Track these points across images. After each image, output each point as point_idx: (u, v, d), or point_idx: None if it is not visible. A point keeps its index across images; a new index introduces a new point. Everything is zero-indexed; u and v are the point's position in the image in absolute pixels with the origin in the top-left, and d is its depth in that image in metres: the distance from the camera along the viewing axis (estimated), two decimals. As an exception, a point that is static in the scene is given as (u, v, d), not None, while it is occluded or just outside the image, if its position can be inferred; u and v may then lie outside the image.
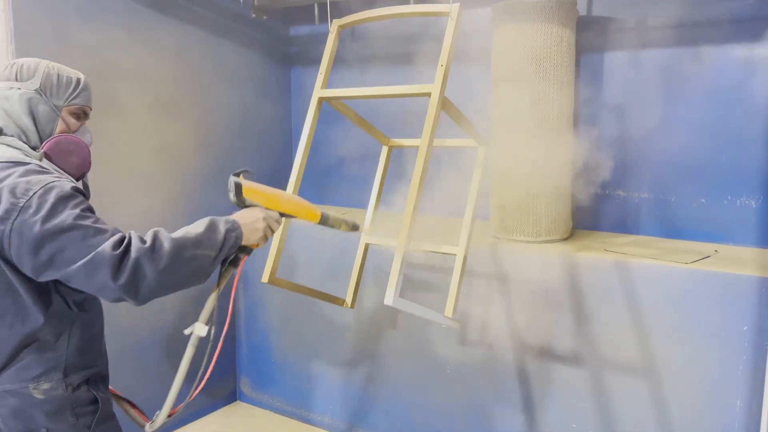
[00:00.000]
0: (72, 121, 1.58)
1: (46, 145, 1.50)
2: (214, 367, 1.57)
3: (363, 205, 2.56)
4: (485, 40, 2.81)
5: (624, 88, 2.83)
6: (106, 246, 1.29)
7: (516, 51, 2.58)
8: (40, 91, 1.51)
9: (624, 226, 2.90)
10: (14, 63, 1.55)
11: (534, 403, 2.61)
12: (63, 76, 1.56)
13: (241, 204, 1.61)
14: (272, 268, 2.01)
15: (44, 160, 1.48)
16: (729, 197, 2.65)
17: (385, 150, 2.52)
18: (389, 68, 3.42)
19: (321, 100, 2.12)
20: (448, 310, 2.07)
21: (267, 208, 1.63)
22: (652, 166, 2.80)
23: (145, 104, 3.02)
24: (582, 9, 2.81)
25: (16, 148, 1.46)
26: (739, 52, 2.58)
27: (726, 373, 2.23)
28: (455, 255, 2.18)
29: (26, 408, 1.38)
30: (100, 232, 1.32)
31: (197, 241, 1.41)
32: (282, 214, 1.69)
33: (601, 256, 2.47)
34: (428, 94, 1.86)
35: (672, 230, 2.78)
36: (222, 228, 1.47)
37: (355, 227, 1.89)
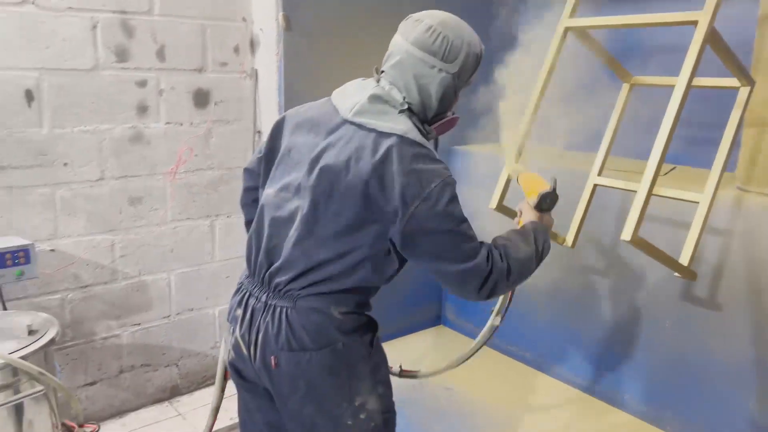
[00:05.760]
0: (457, 98, 1.56)
1: (437, 129, 1.53)
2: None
3: (582, 149, 2.46)
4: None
5: None
6: (481, 262, 1.43)
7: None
8: (456, 76, 1.48)
9: None
10: (444, 36, 1.44)
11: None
12: (473, 55, 1.49)
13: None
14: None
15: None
16: None
17: (625, 88, 2.38)
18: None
19: (567, 30, 2.05)
20: (685, 258, 1.95)
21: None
22: None
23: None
24: None
25: (417, 128, 1.46)
26: None
27: None
28: (698, 203, 2.02)
29: (327, 324, 1.47)
30: (473, 240, 1.45)
31: (531, 264, 1.56)
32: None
33: None
34: (695, 23, 1.71)
35: None
36: (540, 243, 1.61)
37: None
